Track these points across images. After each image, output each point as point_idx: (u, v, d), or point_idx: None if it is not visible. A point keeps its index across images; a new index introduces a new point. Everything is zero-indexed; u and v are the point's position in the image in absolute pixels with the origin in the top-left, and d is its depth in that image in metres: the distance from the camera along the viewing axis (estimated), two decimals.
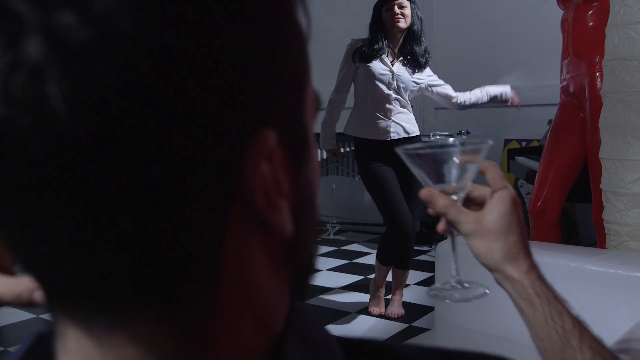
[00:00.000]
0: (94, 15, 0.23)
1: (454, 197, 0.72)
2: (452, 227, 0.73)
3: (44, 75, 0.23)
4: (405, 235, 2.81)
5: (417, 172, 0.73)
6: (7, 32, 0.23)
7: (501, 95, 3.07)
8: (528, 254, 0.69)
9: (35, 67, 0.23)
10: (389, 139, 2.84)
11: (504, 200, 0.69)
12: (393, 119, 2.84)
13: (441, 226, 0.74)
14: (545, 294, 0.66)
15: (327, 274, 3.84)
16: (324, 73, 5.36)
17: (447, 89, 3.02)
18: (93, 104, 0.23)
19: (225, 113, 0.26)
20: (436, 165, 0.71)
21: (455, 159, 0.70)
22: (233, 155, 0.27)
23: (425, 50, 2.88)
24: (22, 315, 2.86)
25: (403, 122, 2.87)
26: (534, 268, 0.68)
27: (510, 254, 0.67)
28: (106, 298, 0.27)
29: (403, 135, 2.87)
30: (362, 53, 2.82)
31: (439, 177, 0.71)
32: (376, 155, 2.85)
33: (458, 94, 3.04)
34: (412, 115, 2.94)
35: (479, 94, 3.05)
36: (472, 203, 0.73)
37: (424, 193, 0.71)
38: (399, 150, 0.73)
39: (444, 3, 4.86)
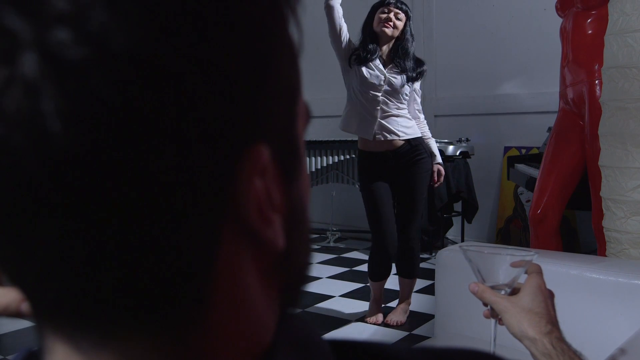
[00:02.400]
0: (88, 32, 0.23)
1: (502, 292, 0.91)
2: (494, 316, 0.92)
3: (38, 92, 0.23)
4: (387, 255, 2.94)
5: (473, 267, 0.94)
6: (2, 48, 0.23)
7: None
8: (551, 322, 0.85)
9: (30, 83, 0.23)
10: (374, 139, 2.84)
11: (533, 287, 0.88)
12: (380, 120, 2.83)
13: (486, 312, 0.93)
14: (561, 347, 0.82)
15: (327, 282, 3.83)
16: (323, 81, 5.34)
17: (418, 105, 2.98)
18: (87, 120, 0.23)
19: (219, 129, 0.26)
20: (493, 266, 0.92)
21: (509, 264, 0.91)
22: (227, 172, 0.27)
23: (417, 66, 2.86)
24: (22, 323, 2.86)
25: (392, 124, 2.83)
26: (555, 332, 0.84)
27: (533, 322, 0.84)
28: (95, 315, 0.26)
29: (390, 137, 2.83)
30: (357, 56, 2.83)
31: (491, 275, 0.92)
32: (373, 167, 2.89)
33: (421, 121, 2.99)
34: (406, 117, 2.88)
35: (426, 141, 2.97)
36: (513, 292, 0.93)
37: (473, 288, 0.91)
38: (463, 251, 0.94)
39: (443, 11, 4.88)
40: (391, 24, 2.77)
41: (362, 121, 2.86)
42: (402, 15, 2.80)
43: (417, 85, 2.94)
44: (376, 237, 2.94)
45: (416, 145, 2.87)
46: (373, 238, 2.98)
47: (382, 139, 2.82)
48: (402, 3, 2.83)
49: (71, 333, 0.28)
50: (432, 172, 2.94)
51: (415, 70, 2.85)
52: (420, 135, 2.91)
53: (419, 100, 2.98)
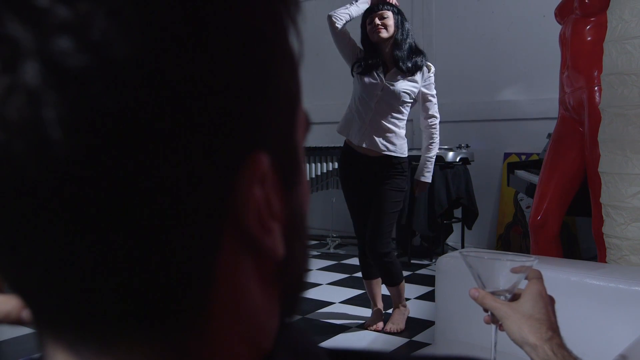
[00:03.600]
0: (90, 40, 0.23)
1: (502, 298, 0.91)
2: (495, 322, 0.91)
3: (40, 100, 0.23)
4: (362, 252, 3.02)
5: (473, 272, 0.93)
6: (4, 57, 0.23)
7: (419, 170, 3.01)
8: (551, 329, 0.85)
9: (32, 91, 0.23)
10: (358, 144, 2.87)
11: (533, 293, 0.88)
12: (370, 129, 2.84)
13: (486, 318, 0.93)
14: (562, 353, 0.82)
15: (327, 288, 3.83)
16: (324, 88, 5.35)
17: (431, 108, 2.96)
18: (88, 128, 0.23)
19: (219, 138, 0.26)
20: (493, 271, 0.92)
21: (509, 269, 0.90)
22: (226, 180, 0.27)
23: (411, 54, 2.82)
24: (23, 330, 2.85)
25: (380, 137, 2.83)
26: (555, 338, 0.84)
27: (534, 328, 0.84)
28: (96, 322, 0.26)
29: (372, 148, 2.83)
30: (359, 66, 2.86)
31: (492, 281, 0.92)
32: (354, 164, 2.93)
33: (432, 124, 2.97)
34: (397, 133, 2.86)
35: (426, 149, 2.99)
36: (513, 298, 0.93)
37: (474, 293, 0.91)
38: (463, 256, 0.94)
39: (443, 18, 4.90)
40: (380, 27, 2.78)
41: (354, 126, 2.90)
42: (388, 14, 2.80)
43: (427, 89, 2.91)
44: (357, 237, 3.09)
45: (397, 163, 2.86)
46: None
47: (365, 146, 2.85)
48: (384, 3, 2.83)
49: (72, 341, 0.28)
50: (413, 186, 2.97)
51: (410, 58, 2.81)
52: (404, 156, 2.88)
53: (431, 105, 2.94)
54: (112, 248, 0.25)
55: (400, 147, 2.87)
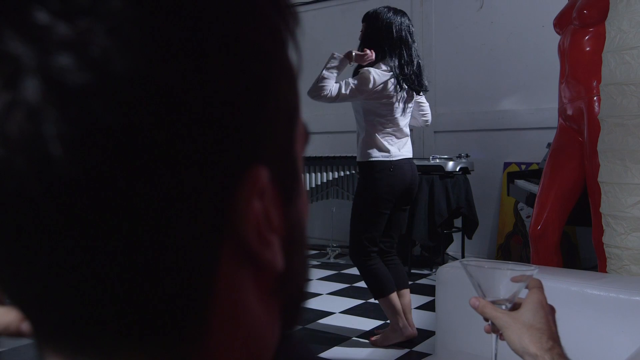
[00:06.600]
0: (90, 57, 0.23)
1: (502, 307, 0.91)
2: (495, 331, 0.91)
3: (40, 116, 0.23)
4: None
5: (473, 282, 0.93)
6: (5, 73, 0.23)
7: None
8: (552, 338, 0.85)
9: (33, 108, 0.23)
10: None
11: (534, 302, 0.88)
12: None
13: (487, 327, 0.92)
14: None
15: (327, 298, 3.82)
16: None
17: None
18: (89, 145, 0.23)
19: (219, 153, 0.26)
20: (493, 280, 0.92)
21: (509, 279, 0.90)
22: (226, 194, 0.27)
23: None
24: (22, 340, 2.83)
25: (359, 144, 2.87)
26: (556, 348, 0.84)
27: (534, 338, 0.84)
28: (96, 335, 0.27)
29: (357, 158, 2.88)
30: None
31: (492, 290, 0.92)
32: None
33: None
34: (365, 137, 2.80)
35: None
36: (514, 307, 0.93)
37: (474, 302, 0.91)
38: (463, 266, 0.94)
39: (442, 28, 4.91)
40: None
41: None
42: (363, 28, 2.83)
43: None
44: None
45: (361, 170, 2.84)
46: None
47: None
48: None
49: (71, 353, 0.28)
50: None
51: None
52: (363, 160, 2.80)
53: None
54: (112, 262, 0.25)
55: (360, 151, 2.83)
